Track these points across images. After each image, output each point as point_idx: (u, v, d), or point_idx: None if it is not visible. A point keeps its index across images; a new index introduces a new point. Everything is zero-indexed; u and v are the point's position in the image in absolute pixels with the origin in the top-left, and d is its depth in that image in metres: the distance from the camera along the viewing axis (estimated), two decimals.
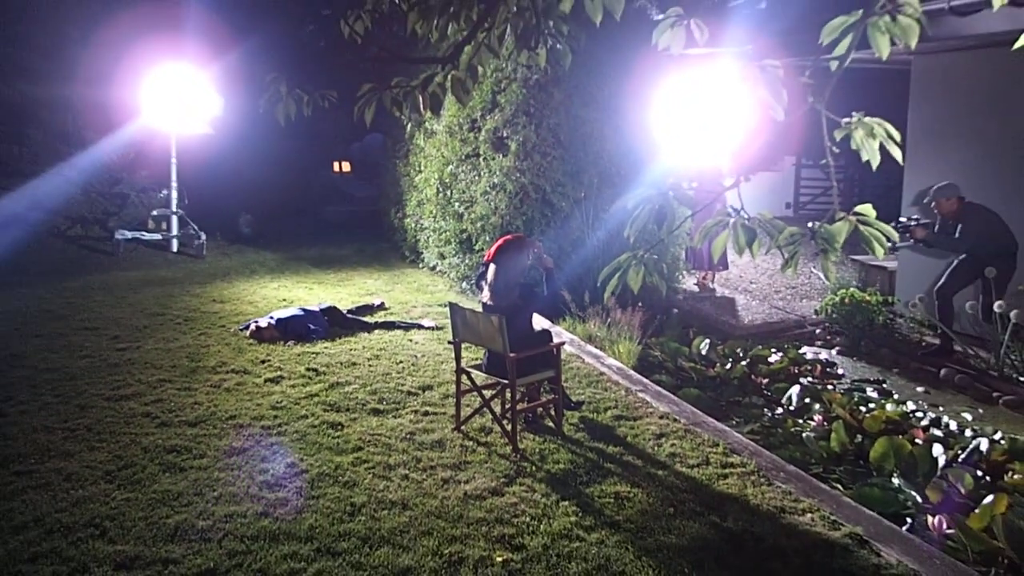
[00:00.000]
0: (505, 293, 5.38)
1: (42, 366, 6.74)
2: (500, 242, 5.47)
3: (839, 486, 4.93)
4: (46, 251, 12.04)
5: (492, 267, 5.43)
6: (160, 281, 10.78)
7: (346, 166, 19.75)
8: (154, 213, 13.30)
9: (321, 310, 8.22)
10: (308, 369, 6.76)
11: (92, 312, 8.81)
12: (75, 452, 4.96)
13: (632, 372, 6.85)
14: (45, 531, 3.99)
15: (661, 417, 5.73)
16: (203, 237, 12.86)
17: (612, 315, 7.81)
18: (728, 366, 7.33)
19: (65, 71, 13.54)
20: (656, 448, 5.18)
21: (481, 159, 9.83)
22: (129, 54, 12.47)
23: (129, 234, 12.56)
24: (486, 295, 5.46)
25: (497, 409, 5.51)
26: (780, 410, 6.44)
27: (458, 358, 5.58)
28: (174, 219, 12.99)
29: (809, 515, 4.28)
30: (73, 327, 8.10)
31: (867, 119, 2.43)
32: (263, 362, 6.97)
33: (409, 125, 12.18)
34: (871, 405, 6.28)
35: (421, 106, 3.43)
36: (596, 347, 7.52)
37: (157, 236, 12.90)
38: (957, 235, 7.41)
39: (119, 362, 6.89)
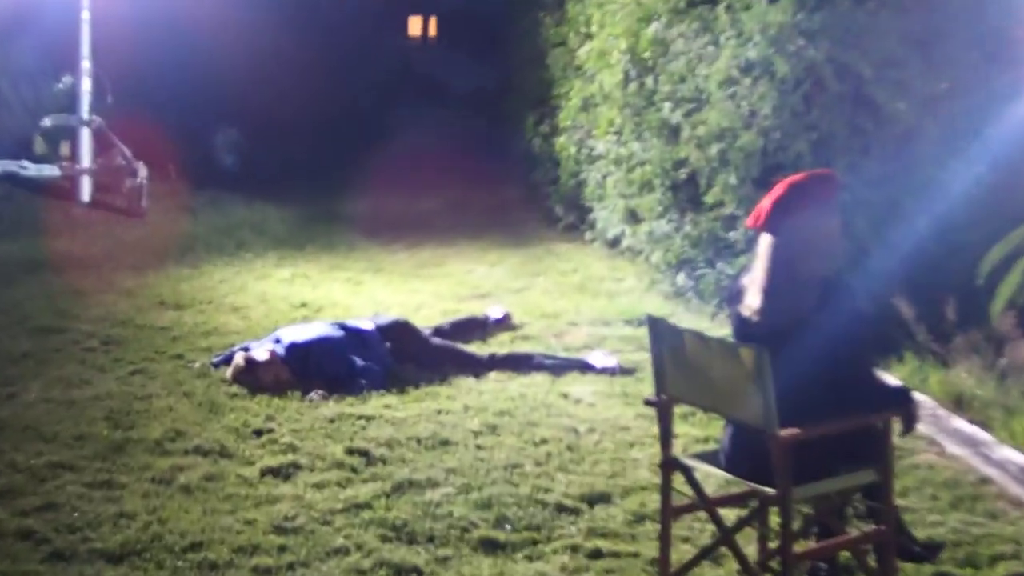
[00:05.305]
0: (793, 297, 4.67)
1: None
2: (781, 190, 4.92)
3: None
4: None
5: (767, 240, 4.72)
6: (58, 262, 10.86)
7: (430, 26, 19.57)
8: (46, 123, 13.47)
9: (379, 328, 8.10)
10: (350, 451, 6.37)
11: None
12: None
13: None
14: None
15: None
16: (143, 173, 12.81)
17: (1011, 351, 7.17)
18: None
19: None
20: None
21: (720, 10, 9.24)
22: None
23: None
24: (752, 301, 4.73)
25: (751, 550, 4.88)
26: None
27: (666, 436, 4.82)
28: (85, 135, 12.98)
29: None
30: None
31: None
32: (260, 433, 6.61)
33: None
34: None
35: None
36: (972, 420, 7.04)
37: (52, 171, 12.89)
38: None
39: None
